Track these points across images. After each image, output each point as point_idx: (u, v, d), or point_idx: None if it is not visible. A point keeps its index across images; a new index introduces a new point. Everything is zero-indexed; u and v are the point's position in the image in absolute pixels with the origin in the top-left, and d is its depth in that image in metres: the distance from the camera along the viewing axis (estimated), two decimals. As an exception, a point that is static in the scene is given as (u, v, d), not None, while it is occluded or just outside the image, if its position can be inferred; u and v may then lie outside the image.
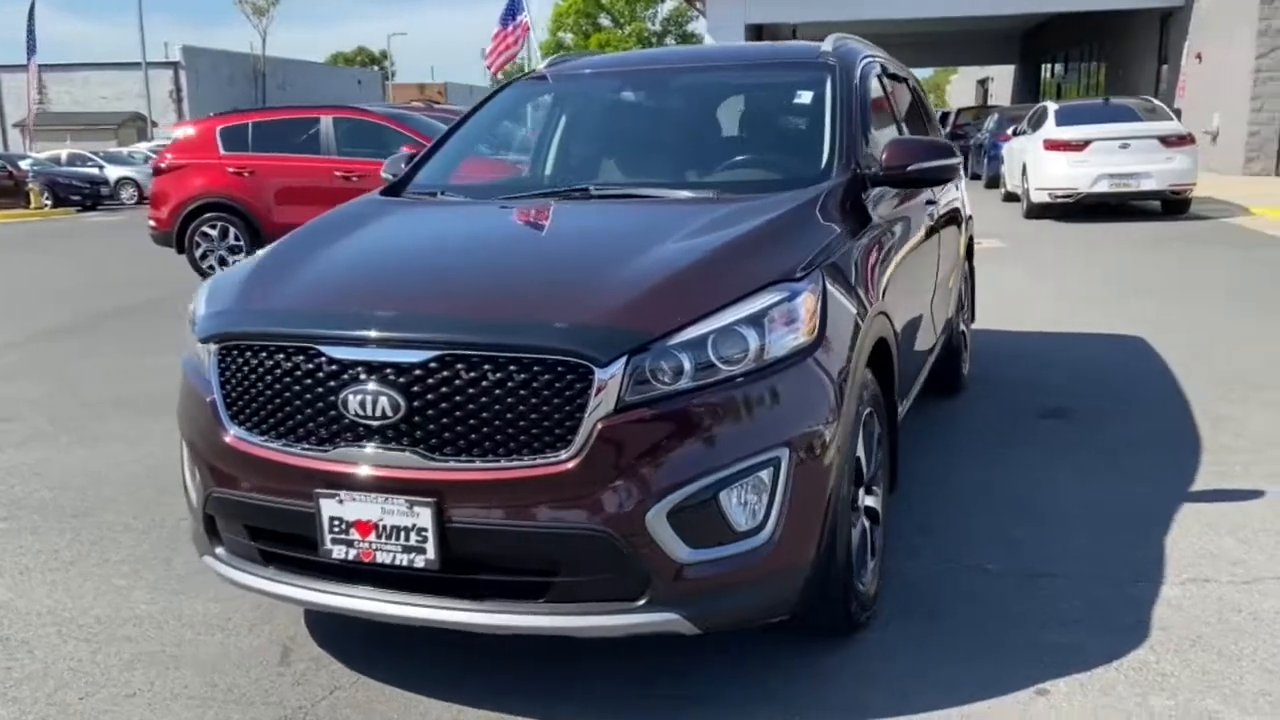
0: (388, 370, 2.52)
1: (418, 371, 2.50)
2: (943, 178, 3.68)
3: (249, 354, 2.71)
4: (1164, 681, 2.73)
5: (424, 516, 2.49)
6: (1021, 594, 3.25)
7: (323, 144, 10.70)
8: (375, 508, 2.53)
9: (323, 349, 2.60)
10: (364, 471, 2.55)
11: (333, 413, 2.58)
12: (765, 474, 2.52)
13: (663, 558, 2.44)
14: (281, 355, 2.66)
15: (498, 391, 2.45)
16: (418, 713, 2.72)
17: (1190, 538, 3.61)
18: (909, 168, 3.53)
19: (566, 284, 2.77)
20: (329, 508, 2.57)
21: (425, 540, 2.50)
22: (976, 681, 2.75)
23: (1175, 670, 2.78)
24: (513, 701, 2.74)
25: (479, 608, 2.54)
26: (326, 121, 10.82)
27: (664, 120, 4.26)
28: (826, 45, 4.15)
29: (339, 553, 2.59)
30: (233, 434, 2.74)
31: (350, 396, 2.53)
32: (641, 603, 2.48)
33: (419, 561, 2.52)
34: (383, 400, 2.50)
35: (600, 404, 2.41)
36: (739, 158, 3.95)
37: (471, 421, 2.47)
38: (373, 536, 2.55)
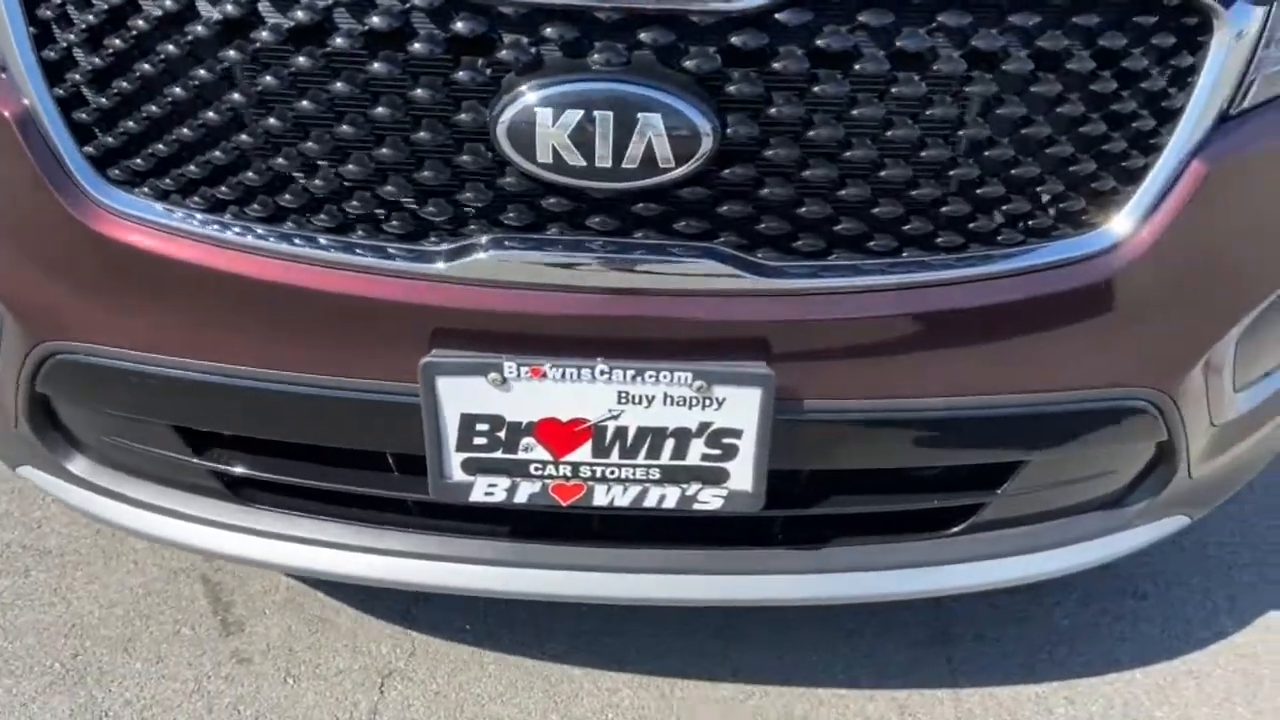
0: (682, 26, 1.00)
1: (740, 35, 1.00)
2: None
3: None
4: None
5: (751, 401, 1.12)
6: None
7: None
8: (607, 390, 1.12)
9: None
10: (581, 300, 1.12)
11: (483, 151, 1.06)
12: None
13: None
14: None
15: None
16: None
17: None
18: None
19: None
20: (466, 393, 1.13)
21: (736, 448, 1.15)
22: None
23: None
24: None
25: None
26: None
27: None
28: None
29: (489, 490, 1.20)
30: (99, 198, 1.13)
31: (538, 110, 1.00)
32: None
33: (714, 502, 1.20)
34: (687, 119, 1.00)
35: None
36: None
37: None
38: (586, 452, 1.16)
